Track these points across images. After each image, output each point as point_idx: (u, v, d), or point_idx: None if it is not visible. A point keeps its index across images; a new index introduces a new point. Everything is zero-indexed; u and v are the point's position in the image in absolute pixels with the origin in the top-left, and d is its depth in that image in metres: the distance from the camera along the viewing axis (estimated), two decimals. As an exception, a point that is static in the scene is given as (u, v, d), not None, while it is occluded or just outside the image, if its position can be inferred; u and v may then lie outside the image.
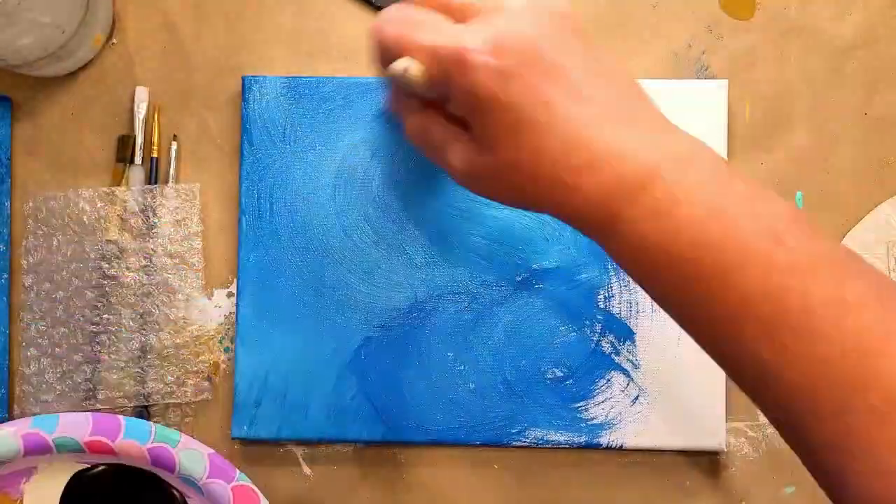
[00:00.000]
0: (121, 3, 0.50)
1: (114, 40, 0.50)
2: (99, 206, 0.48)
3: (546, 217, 0.47)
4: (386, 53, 0.34)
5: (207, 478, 0.43)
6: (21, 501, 0.44)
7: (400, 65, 0.33)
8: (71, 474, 0.44)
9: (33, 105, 0.50)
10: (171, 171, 0.49)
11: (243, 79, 0.48)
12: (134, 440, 0.42)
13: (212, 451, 0.44)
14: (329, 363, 0.47)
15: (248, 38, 0.50)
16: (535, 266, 0.47)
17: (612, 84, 0.33)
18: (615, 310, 0.47)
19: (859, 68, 0.49)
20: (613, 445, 0.47)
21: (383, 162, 0.48)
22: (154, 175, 0.49)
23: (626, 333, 0.47)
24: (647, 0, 0.50)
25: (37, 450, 0.42)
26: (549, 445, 0.47)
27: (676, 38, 0.50)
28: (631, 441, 0.47)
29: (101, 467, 0.44)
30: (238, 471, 0.43)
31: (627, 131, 0.31)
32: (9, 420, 0.48)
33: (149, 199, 0.48)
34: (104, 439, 0.42)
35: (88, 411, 0.44)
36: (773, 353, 0.28)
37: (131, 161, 0.49)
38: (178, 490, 0.43)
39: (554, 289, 0.47)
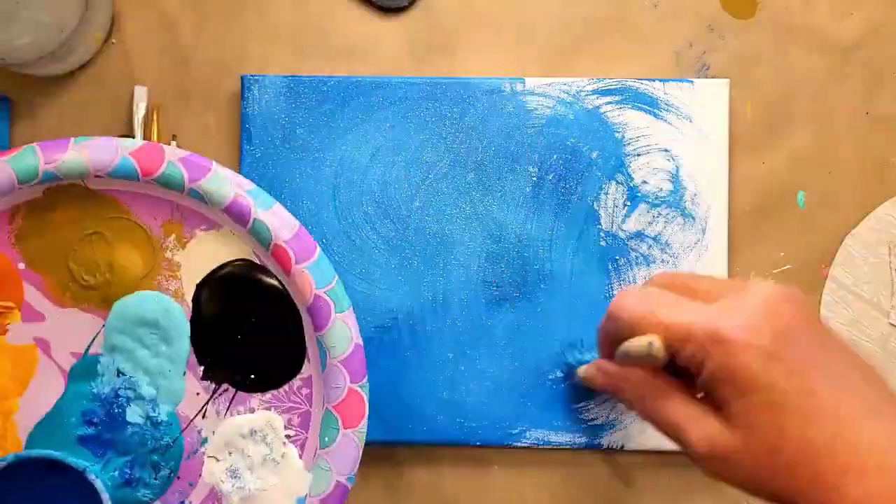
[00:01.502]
0: (120, 2, 0.50)
1: (113, 40, 0.50)
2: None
3: (549, 220, 0.47)
4: (626, 331, 0.35)
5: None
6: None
7: (644, 340, 0.34)
8: (240, 255, 0.42)
9: (32, 105, 0.50)
10: (171, 171, 0.49)
11: (243, 78, 0.48)
12: (312, 277, 0.41)
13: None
14: (329, 363, 0.47)
15: (247, 38, 0.50)
16: (536, 267, 0.47)
17: (868, 378, 0.32)
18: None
19: (860, 68, 0.49)
20: (614, 446, 0.47)
21: (387, 162, 0.48)
22: (153, 175, 0.49)
23: (626, 334, 0.47)
24: (648, -1, 0.50)
25: (236, 216, 0.41)
26: (550, 446, 0.47)
27: (677, 38, 0.49)
28: (631, 442, 0.46)
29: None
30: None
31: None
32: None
33: (148, 199, 0.48)
34: (292, 255, 0.40)
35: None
36: None
37: (131, 161, 0.49)
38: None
39: (555, 291, 0.47)
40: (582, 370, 0.43)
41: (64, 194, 0.42)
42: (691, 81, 0.48)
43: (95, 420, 0.42)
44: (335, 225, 0.48)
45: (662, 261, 0.47)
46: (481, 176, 0.48)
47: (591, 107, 0.48)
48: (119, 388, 0.41)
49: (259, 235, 0.41)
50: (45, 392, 0.42)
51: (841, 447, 0.30)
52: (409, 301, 0.47)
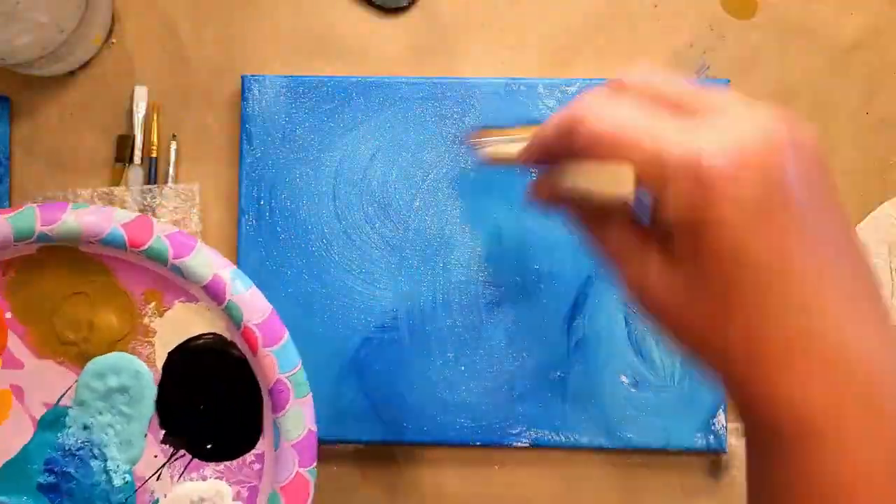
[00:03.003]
0: (120, 2, 0.50)
1: (113, 40, 0.50)
2: (98, 205, 0.48)
3: (549, 220, 0.47)
4: (593, 149, 0.27)
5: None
6: None
7: (621, 189, 0.26)
8: (213, 329, 0.44)
9: (32, 105, 0.50)
10: (171, 171, 0.49)
11: (243, 78, 0.48)
12: (277, 361, 0.42)
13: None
14: (329, 363, 0.47)
15: (247, 38, 0.50)
16: (536, 267, 0.47)
17: (858, 267, 0.26)
18: (616, 310, 0.47)
19: (861, 68, 0.49)
20: (614, 446, 0.47)
21: (387, 162, 0.48)
22: (153, 175, 0.49)
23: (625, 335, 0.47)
24: (648, -1, 0.50)
25: (213, 294, 0.43)
26: (550, 446, 0.47)
27: (678, 38, 0.49)
28: (631, 441, 0.46)
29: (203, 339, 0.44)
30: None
31: (878, 341, 0.25)
32: None
33: (148, 199, 0.48)
34: (259, 338, 0.42)
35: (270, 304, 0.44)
36: None
37: (130, 161, 0.49)
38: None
39: (554, 291, 0.47)
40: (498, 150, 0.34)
41: (56, 254, 0.44)
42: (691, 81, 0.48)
43: (57, 469, 0.43)
44: (335, 225, 0.48)
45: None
46: (481, 176, 0.48)
47: (591, 107, 0.47)
48: (83, 442, 0.43)
49: (232, 315, 0.43)
50: (13, 436, 0.44)
51: (807, 333, 0.25)
52: (409, 301, 0.47)
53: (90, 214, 0.42)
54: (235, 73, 0.49)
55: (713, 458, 0.47)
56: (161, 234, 0.42)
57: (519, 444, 0.47)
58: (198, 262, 0.42)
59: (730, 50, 0.49)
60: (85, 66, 0.50)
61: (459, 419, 0.47)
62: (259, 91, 0.48)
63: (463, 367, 0.47)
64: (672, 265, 0.27)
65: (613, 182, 0.26)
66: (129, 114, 0.49)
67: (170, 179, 0.49)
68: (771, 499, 0.26)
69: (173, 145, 0.49)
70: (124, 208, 0.48)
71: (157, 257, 0.42)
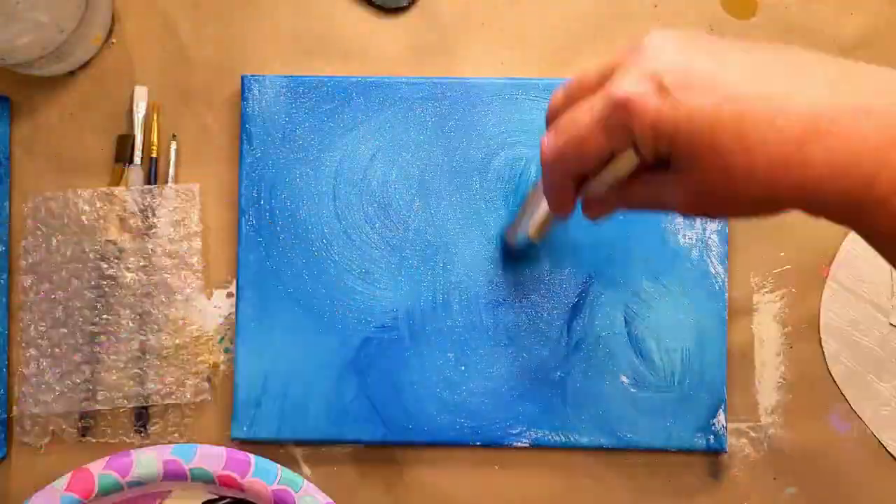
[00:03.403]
0: (120, 2, 0.50)
1: (113, 40, 0.50)
2: (98, 206, 0.48)
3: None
4: (563, 163, 0.33)
5: None
6: None
7: (626, 162, 0.32)
8: (201, 502, 0.46)
9: (32, 105, 0.50)
10: (171, 171, 0.49)
11: (243, 78, 0.48)
12: (261, 479, 0.44)
13: (330, 500, 0.45)
14: (329, 364, 0.47)
15: (248, 38, 0.50)
16: (535, 267, 0.47)
17: (781, 52, 0.29)
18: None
19: (861, 68, 0.49)
20: (614, 446, 0.47)
21: (387, 162, 0.48)
22: (153, 175, 0.49)
23: (625, 334, 0.47)
24: (648, -1, 0.50)
25: (174, 476, 0.44)
26: (550, 446, 0.47)
27: (677, 38, 0.49)
28: (631, 441, 0.46)
29: (227, 500, 0.46)
30: None
31: (831, 88, 0.28)
32: (7, 419, 0.48)
33: (148, 199, 0.48)
34: (235, 475, 0.44)
35: (222, 446, 0.45)
36: None
37: (130, 161, 0.49)
38: None
39: (554, 291, 0.47)
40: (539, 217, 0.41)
41: None
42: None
43: None
44: (335, 225, 0.48)
45: (662, 258, 0.47)
46: (481, 176, 0.48)
47: (591, 107, 0.47)
48: None
49: (202, 478, 0.44)
50: None
51: (784, 123, 0.27)
52: (409, 301, 0.47)
53: (34, 502, 0.43)
54: (235, 73, 0.49)
55: (713, 458, 0.47)
56: (99, 469, 0.44)
57: (519, 444, 0.47)
58: (142, 466, 0.44)
59: (730, 50, 0.49)
60: (85, 66, 0.50)
61: (459, 419, 0.47)
62: (259, 91, 0.48)
63: (463, 367, 0.47)
64: (679, 174, 0.30)
65: (622, 164, 0.32)
66: (129, 114, 0.49)
67: (170, 179, 0.49)
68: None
69: (173, 145, 0.49)
70: (124, 208, 0.48)
71: (111, 489, 0.44)
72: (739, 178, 0.28)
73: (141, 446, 0.47)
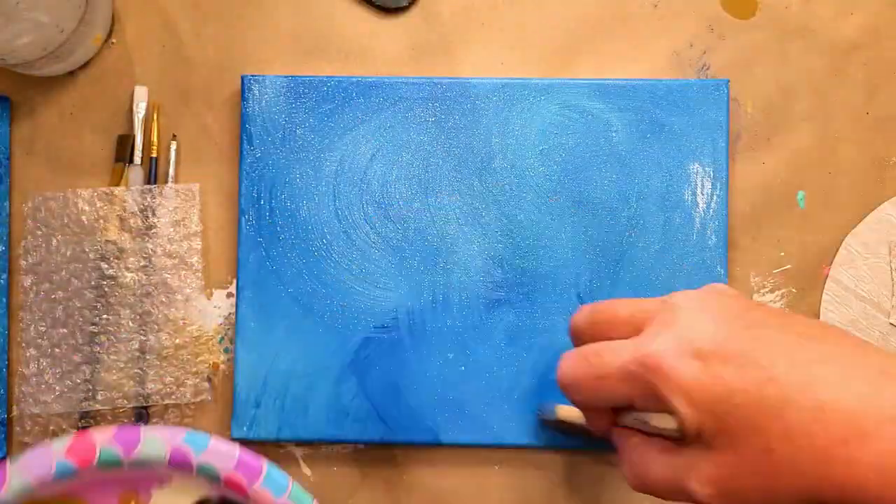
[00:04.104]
0: (120, 2, 0.50)
1: (113, 40, 0.50)
2: (98, 206, 0.48)
3: (548, 220, 0.47)
4: (584, 401, 0.34)
5: None
6: None
7: (671, 421, 0.31)
8: (199, 496, 0.43)
9: (32, 105, 0.50)
10: (171, 171, 0.49)
11: (243, 78, 0.48)
12: (269, 490, 0.41)
13: None
14: (329, 364, 0.47)
15: (248, 38, 0.50)
16: (537, 267, 0.47)
17: (829, 337, 0.29)
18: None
19: (861, 68, 0.49)
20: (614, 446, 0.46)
21: (387, 162, 0.48)
22: (153, 175, 0.49)
23: (626, 334, 0.47)
24: (648, -1, 0.50)
25: (179, 465, 0.41)
26: (550, 446, 0.47)
27: (677, 38, 0.49)
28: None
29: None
30: None
31: (874, 386, 0.27)
32: (7, 419, 0.48)
33: (148, 199, 0.48)
34: (243, 480, 0.41)
35: (235, 442, 0.42)
36: None
37: (130, 161, 0.49)
38: None
39: (555, 291, 0.47)
40: (564, 410, 0.44)
41: None
42: (691, 81, 0.48)
43: None
44: (335, 225, 0.48)
45: (662, 260, 0.47)
46: (481, 176, 0.48)
47: (590, 107, 0.48)
48: None
49: (207, 475, 0.41)
50: None
51: (830, 416, 0.27)
52: (409, 301, 0.47)
53: (30, 462, 0.41)
54: (235, 73, 0.49)
55: (713, 458, 0.47)
56: (104, 441, 0.41)
57: (518, 444, 0.47)
58: (150, 447, 0.41)
59: (730, 50, 0.49)
60: (85, 66, 0.50)
61: (459, 419, 0.47)
62: (259, 91, 0.48)
63: (463, 367, 0.47)
64: (715, 451, 0.29)
65: (664, 419, 0.32)
66: (129, 114, 0.49)
67: (170, 179, 0.49)
68: None
69: (173, 145, 0.49)
70: (124, 208, 0.48)
71: (110, 464, 0.41)
72: (784, 463, 0.27)
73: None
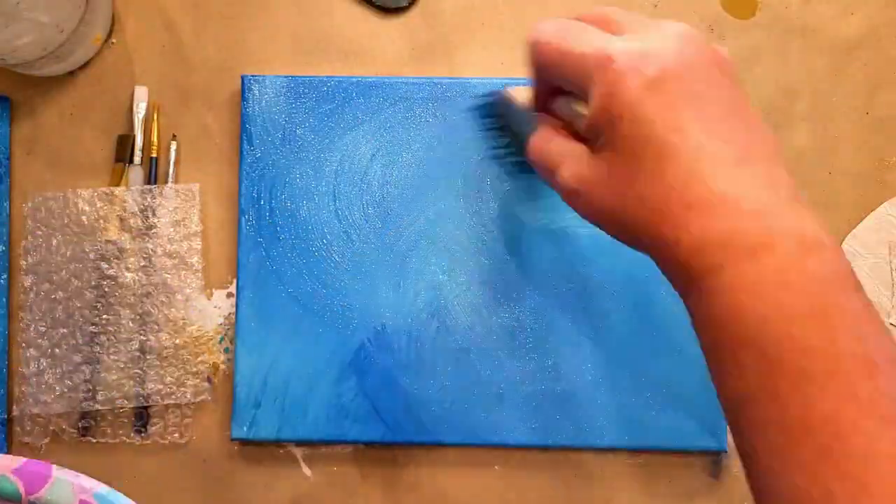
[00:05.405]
0: (120, 2, 0.50)
1: (113, 40, 0.50)
2: (98, 206, 0.48)
3: (544, 223, 0.47)
4: (540, 59, 0.34)
5: None
6: None
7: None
8: None
9: (32, 105, 0.50)
10: (171, 171, 0.49)
11: (243, 78, 0.48)
12: None
13: None
14: (329, 364, 0.47)
15: (248, 38, 0.50)
16: (534, 269, 0.47)
17: (752, 131, 0.31)
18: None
19: (861, 68, 0.49)
20: (614, 446, 0.47)
21: (387, 162, 0.48)
22: (153, 175, 0.49)
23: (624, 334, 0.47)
24: (648, -1, 0.50)
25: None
26: (550, 446, 0.47)
27: (677, 38, 0.49)
28: (631, 441, 0.46)
29: None
30: None
31: (758, 187, 0.29)
32: (7, 419, 0.48)
33: (148, 199, 0.48)
34: None
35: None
36: (808, 481, 0.26)
37: (130, 161, 0.49)
38: None
39: (555, 291, 0.47)
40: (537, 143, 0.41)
41: None
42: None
43: None
44: (335, 225, 0.48)
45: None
46: (482, 176, 0.48)
47: (591, 107, 0.48)
48: None
49: None
50: None
51: (693, 185, 0.29)
52: (409, 301, 0.47)
53: None
54: (235, 73, 0.49)
55: (713, 458, 0.47)
56: (6, 470, 0.37)
57: (519, 443, 0.47)
58: (57, 493, 0.37)
59: (730, 50, 0.49)
60: (85, 66, 0.50)
61: (460, 419, 0.47)
62: (259, 91, 0.48)
63: (463, 368, 0.47)
64: (597, 155, 0.32)
65: (585, 108, 0.32)
66: (129, 114, 0.49)
67: (170, 179, 0.49)
68: (705, 340, 0.30)
69: (173, 145, 0.49)
70: (124, 208, 0.48)
71: (8, 497, 0.37)
72: (641, 196, 0.30)
73: (141, 446, 0.47)
